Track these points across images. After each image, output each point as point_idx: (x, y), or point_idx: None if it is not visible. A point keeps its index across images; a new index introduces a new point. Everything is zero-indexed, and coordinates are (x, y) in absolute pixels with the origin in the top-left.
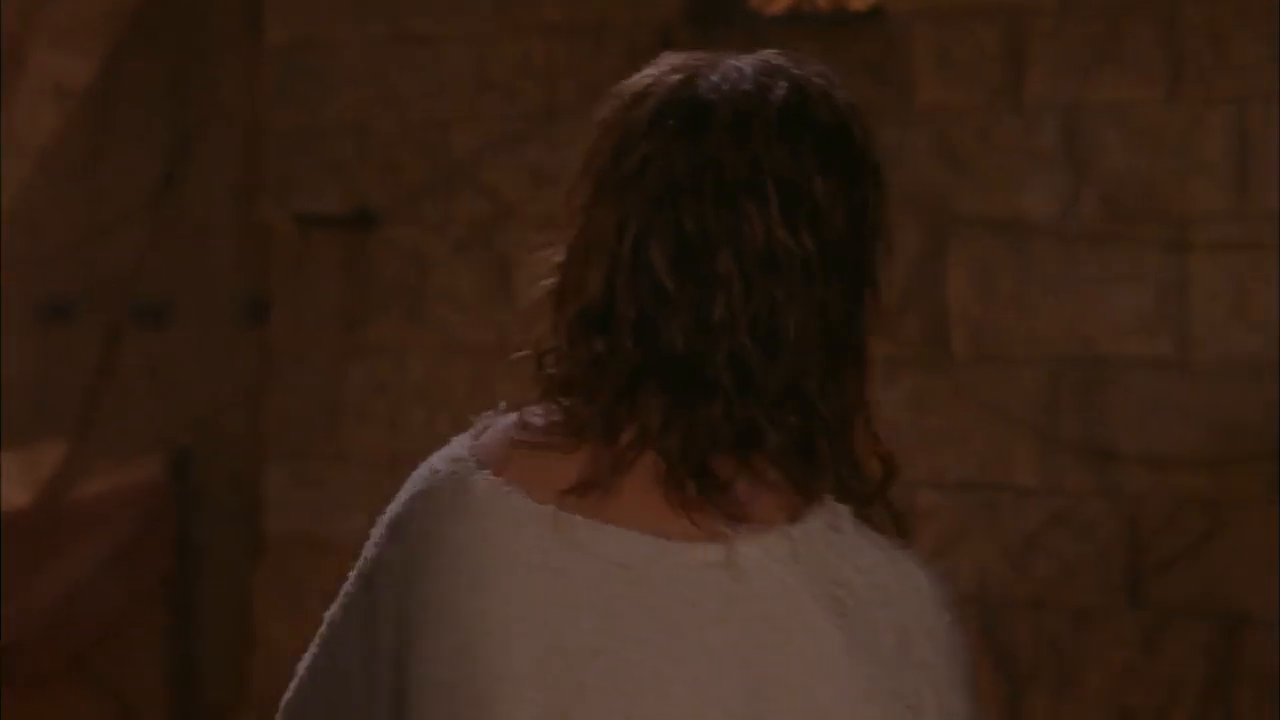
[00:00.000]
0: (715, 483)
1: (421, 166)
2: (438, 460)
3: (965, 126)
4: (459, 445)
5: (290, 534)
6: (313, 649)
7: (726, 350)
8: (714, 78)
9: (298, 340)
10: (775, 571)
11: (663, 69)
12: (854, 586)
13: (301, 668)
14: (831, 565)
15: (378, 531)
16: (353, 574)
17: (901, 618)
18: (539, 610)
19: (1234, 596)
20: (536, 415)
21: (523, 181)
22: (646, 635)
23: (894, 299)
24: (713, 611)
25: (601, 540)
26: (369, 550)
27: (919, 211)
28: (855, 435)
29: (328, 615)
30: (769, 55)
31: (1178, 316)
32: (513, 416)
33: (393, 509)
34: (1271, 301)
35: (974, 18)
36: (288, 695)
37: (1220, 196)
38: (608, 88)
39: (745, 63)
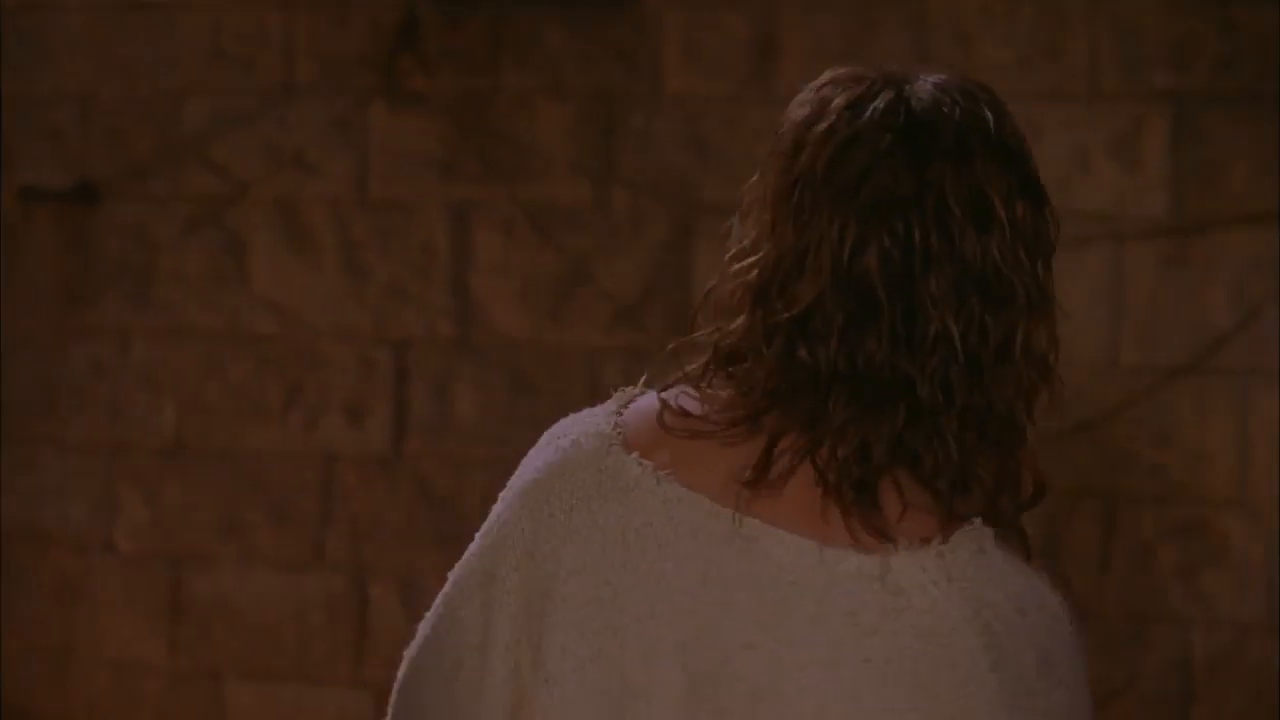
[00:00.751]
0: (873, 493)
1: (149, 140)
2: (578, 434)
3: (714, 116)
4: (601, 420)
5: (3, 523)
6: (436, 606)
7: (935, 366)
8: (924, 96)
9: (13, 320)
10: (930, 590)
11: (858, 81)
12: (1000, 608)
13: (424, 625)
14: (980, 586)
15: (507, 497)
16: (479, 537)
17: (1042, 640)
18: (690, 597)
19: None
20: (690, 402)
21: (257, 160)
22: (803, 638)
23: (640, 287)
24: (868, 623)
25: (758, 536)
26: (497, 516)
27: (666, 200)
28: (1021, 455)
29: (451, 575)
30: (954, 76)
31: None
32: (655, 399)
33: (525, 477)
34: None
35: (724, 7)
36: (411, 649)
37: None
38: (348, 65)
39: (944, 82)
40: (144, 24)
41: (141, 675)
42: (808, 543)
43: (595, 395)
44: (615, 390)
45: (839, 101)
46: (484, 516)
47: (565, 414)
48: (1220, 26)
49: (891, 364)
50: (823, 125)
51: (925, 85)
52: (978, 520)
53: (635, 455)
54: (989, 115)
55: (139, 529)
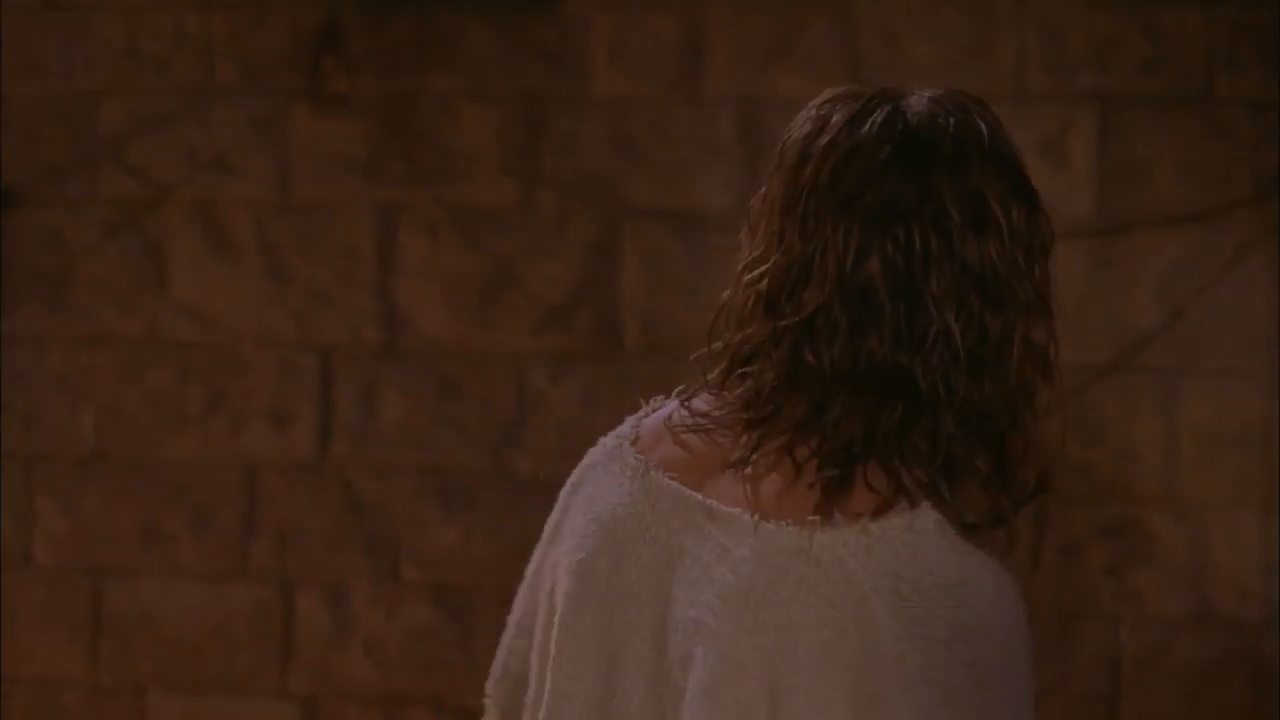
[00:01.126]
0: (847, 478)
1: (65, 143)
2: (608, 435)
3: (641, 117)
4: (628, 423)
5: None
6: (518, 596)
7: (935, 363)
8: (919, 110)
9: None
10: (848, 561)
11: (855, 98)
12: (919, 583)
13: (513, 612)
14: (903, 560)
15: (561, 492)
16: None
17: (963, 618)
18: (659, 576)
19: None
20: (703, 403)
21: (176, 162)
22: (729, 608)
23: (567, 290)
24: (785, 593)
25: (714, 517)
26: (553, 514)
27: (593, 202)
28: (1024, 449)
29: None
30: (947, 90)
31: None
32: (674, 403)
33: (571, 477)
34: None
35: (652, 8)
36: (503, 637)
37: None
38: (270, 66)
39: (938, 95)
40: (59, 23)
41: (62, 690)
42: (747, 520)
43: (523, 399)
44: (646, 401)
45: (838, 118)
46: (410, 523)
47: (492, 418)
48: (1144, 29)
49: (893, 360)
50: (824, 140)
51: (920, 99)
52: (925, 504)
53: (634, 451)
54: (982, 125)
55: (58, 540)
